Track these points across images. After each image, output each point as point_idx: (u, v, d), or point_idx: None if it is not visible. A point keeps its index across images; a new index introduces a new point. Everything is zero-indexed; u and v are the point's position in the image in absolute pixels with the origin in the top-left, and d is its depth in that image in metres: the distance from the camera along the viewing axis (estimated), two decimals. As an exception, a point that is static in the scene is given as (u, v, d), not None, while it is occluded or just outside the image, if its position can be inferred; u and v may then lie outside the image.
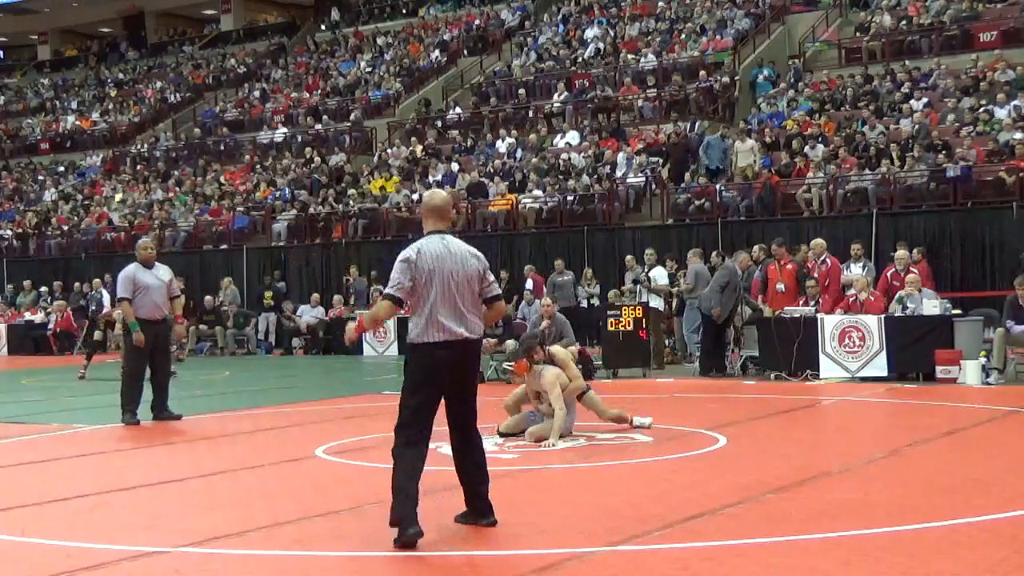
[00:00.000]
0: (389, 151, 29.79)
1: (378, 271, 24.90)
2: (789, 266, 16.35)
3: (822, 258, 16.15)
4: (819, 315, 15.07)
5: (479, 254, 6.26)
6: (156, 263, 12.27)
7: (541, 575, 5.31)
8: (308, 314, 24.14)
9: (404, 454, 6.10)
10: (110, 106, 41.97)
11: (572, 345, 15.92)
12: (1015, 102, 21.85)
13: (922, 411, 11.77)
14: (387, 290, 6.13)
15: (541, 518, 6.53)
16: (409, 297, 6.07)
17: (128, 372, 11.99)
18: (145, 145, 37.09)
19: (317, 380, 17.73)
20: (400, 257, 6.11)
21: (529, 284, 20.60)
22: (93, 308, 26.26)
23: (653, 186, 23.87)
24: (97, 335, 19.79)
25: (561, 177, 24.57)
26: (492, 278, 6.28)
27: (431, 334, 6.02)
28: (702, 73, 27.14)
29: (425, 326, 6.03)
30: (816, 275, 15.92)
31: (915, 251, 17.45)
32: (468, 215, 24.71)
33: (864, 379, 14.41)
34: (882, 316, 14.66)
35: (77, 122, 41.08)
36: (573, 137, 26.93)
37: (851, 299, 15.31)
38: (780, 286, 16.14)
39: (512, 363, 10.04)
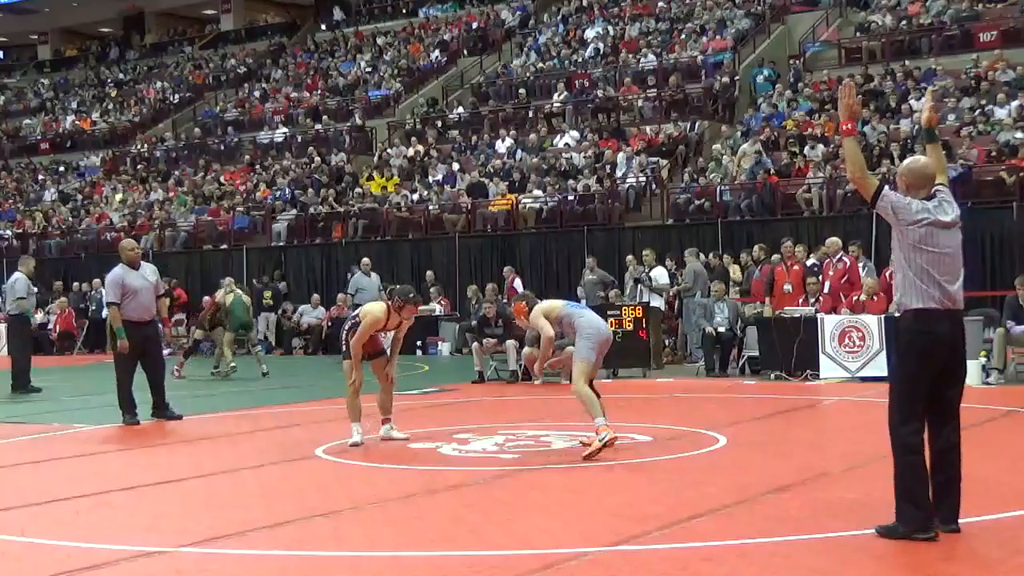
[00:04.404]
0: (389, 151, 29.78)
1: (378, 271, 24.89)
2: (796, 267, 16.35)
3: (838, 256, 16.14)
4: (819, 315, 15.07)
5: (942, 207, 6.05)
6: (142, 263, 12.28)
7: (541, 575, 5.30)
8: (308, 314, 24.13)
9: None
10: (110, 106, 41.93)
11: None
12: (1015, 102, 21.82)
13: (922, 411, 11.74)
14: None
15: (541, 518, 6.52)
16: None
17: (118, 376, 11.96)
18: (145, 145, 37.07)
19: (317, 380, 17.71)
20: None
21: (518, 284, 20.52)
22: (93, 308, 26.36)
23: (653, 186, 23.86)
24: (198, 334, 19.63)
25: (561, 177, 24.56)
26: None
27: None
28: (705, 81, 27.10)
29: None
30: (832, 273, 15.90)
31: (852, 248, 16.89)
32: (468, 215, 24.70)
33: (864, 379, 14.39)
34: (882, 316, 14.64)
35: (77, 122, 41.06)
36: (573, 137, 26.91)
37: (853, 299, 15.32)
38: (787, 287, 16.13)
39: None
